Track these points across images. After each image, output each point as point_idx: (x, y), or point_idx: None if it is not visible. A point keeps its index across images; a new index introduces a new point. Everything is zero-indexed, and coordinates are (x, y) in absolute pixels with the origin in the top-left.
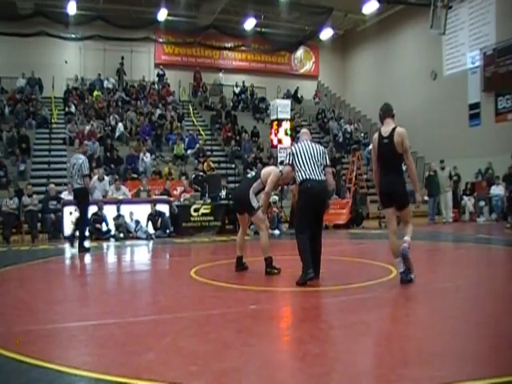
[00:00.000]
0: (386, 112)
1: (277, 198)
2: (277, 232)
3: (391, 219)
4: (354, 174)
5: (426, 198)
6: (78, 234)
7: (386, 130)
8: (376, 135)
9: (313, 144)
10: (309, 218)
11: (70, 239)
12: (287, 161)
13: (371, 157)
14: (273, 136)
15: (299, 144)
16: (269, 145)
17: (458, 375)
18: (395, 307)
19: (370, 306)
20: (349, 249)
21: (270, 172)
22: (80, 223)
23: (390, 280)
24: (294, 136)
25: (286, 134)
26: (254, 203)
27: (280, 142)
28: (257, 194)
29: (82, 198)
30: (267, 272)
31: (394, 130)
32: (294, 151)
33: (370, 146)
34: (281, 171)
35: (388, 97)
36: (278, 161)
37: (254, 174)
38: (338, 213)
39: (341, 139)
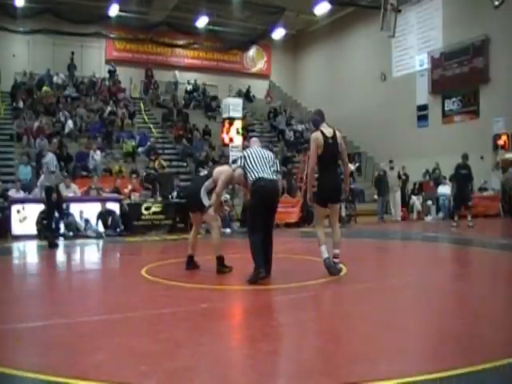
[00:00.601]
0: (323, 117)
1: (228, 196)
2: (228, 230)
3: (323, 217)
4: (305, 172)
5: (375, 197)
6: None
7: (328, 131)
8: (319, 135)
9: (264, 150)
10: (261, 218)
11: (47, 237)
12: (239, 163)
13: (309, 155)
14: (224, 134)
15: (251, 149)
16: (220, 143)
17: (405, 370)
18: (344, 304)
19: (320, 304)
20: (299, 247)
21: (221, 172)
22: (51, 220)
23: (339, 277)
24: (246, 135)
25: (238, 132)
26: (206, 202)
27: (231, 140)
28: (209, 192)
29: (50, 196)
30: (218, 270)
31: (334, 131)
32: (246, 154)
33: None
34: (234, 170)
35: (338, 97)
36: (230, 159)
37: (206, 172)
38: (289, 211)
39: (292, 138)
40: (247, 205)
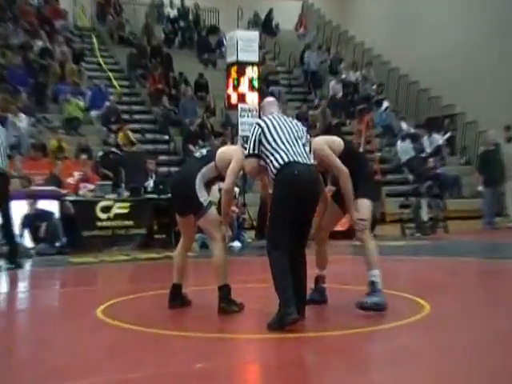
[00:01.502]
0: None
1: (237, 190)
2: (237, 245)
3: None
4: (361, 150)
5: (480, 188)
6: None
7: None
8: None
9: (286, 117)
10: (290, 226)
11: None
12: (251, 147)
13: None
14: (230, 90)
15: (269, 117)
16: (224, 104)
17: None
18: (425, 363)
19: (391, 367)
20: (351, 271)
21: (230, 155)
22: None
23: (417, 321)
24: (265, 91)
25: (252, 86)
26: (203, 197)
27: (242, 99)
28: (207, 184)
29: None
30: (222, 309)
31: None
32: (264, 125)
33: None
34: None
35: (415, 26)
36: (239, 132)
37: (204, 152)
38: None
39: (340, 94)
40: (267, 204)
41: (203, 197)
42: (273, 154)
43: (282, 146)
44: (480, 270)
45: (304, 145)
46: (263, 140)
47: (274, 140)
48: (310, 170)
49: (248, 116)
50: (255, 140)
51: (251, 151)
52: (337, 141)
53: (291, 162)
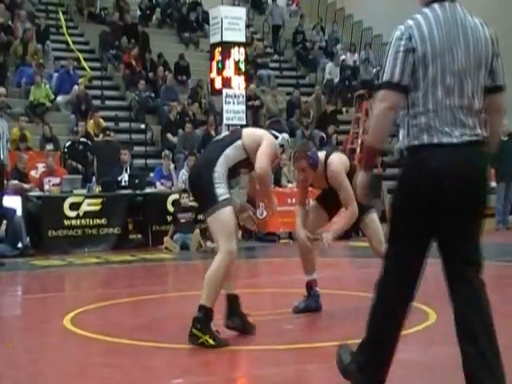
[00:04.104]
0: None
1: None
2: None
3: None
4: (360, 140)
5: (492, 183)
6: None
7: None
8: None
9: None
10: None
11: None
12: (396, 71)
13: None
14: (214, 73)
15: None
16: (207, 89)
17: None
18: (428, 379)
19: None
20: (349, 275)
21: (260, 136)
22: None
23: (422, 331)
24: (253, 74)
25: (239, 69)
26: (220, 189)
27: (227, 83)
28: (232, 171)
29: None
30: (192, 336)
31: None
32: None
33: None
34: (283, 145)
35: (416, 4)
36: (224, 120)
37: (227, 132)
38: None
39: (337, 79)
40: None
41: (221, 188)
42: (418, 117)
43: (429, 103)
44: (492, 274)
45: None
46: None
47: (427, 82)
48: (470, 159)
49: (234, 103)
50: (404, 61)
51: (396, 78)
52: (346, 160)
53: (436, 144)
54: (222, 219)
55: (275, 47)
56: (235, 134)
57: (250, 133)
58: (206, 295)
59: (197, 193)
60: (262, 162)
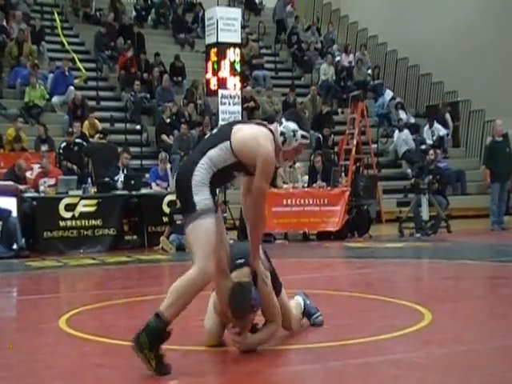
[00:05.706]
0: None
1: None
2: None
3: None
4: (355, 141)
5: (487, 183)
6: None
7: None
8: None
9: None
10: None
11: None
12: None
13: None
14: (210, 74)
15: None
16: (203, 90)
17: None
18: (422, 380)
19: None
20: (346, 275)
21: (254, 136)
22: None
23: (417, 332)
24: (249, 75)
25: (234, 70)
26: (200, 196)
27: (223, 84)
28: (218, 177)
29: None
30: (137, 345)
31: None
32: None
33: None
34: (283, 134)
35: (412, 6)
36: (220, 121)
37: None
38: (326, 213)
39: (331, 78)
40: None
41: (201, 195)
42: None
43: None
44: (487, 274)
45: None
46: None
47: None
48: None
49: (229, 103)
50: None
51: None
52: None
53: None
54: (199, 234)
55: (277, 42)
56: (224, 132)
57: (240, 138)
58: (167, 304)
59: (177, 197)
60: (259, 179)
